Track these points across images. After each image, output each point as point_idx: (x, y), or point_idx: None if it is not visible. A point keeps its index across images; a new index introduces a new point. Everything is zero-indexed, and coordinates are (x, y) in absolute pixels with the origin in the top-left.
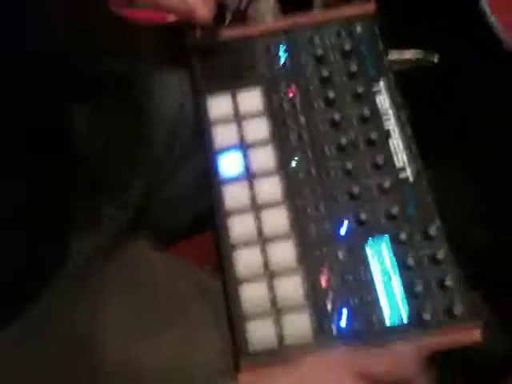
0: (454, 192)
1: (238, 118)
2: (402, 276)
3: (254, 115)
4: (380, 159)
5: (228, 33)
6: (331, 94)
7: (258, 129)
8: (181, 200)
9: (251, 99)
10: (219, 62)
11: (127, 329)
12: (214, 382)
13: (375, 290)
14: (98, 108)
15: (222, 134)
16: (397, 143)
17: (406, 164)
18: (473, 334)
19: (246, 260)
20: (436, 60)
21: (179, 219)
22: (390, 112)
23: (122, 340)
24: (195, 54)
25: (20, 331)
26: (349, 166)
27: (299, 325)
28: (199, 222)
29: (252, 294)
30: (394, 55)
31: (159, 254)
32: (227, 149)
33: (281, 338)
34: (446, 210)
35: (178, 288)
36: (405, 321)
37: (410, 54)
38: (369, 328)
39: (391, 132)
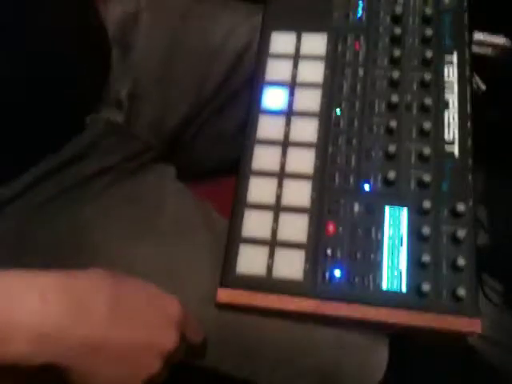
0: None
1: (297, 57)
2: (412, 244)
3: (312, 58)
4: (428, 126)
5: None
6: (398, 53)
7: (313, 71)
8: (222, 138)
9: (315, 43)
10: (295, 3)
11: (124, 234)
12: (195, 304)
13: (381, 251)
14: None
15: (276, 68)
16: (452, 116)
17: (456, 139)
18: (472, 324)
19: (260, 187)
20: None
21: (214, 157)
22: (455, 85)
23: (117, 242)
24: None
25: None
26: (393, 125)
27: (292, 261)
28: (231, 165)
29: (256, 220)
30: (480, 36)
31: (178, 182)
32: (276, 83)
33: (270, 268)
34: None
35: (183, 213)
36: (403, 289)
37: (496, 40)
38: (362, 285)
39: (450, 104)
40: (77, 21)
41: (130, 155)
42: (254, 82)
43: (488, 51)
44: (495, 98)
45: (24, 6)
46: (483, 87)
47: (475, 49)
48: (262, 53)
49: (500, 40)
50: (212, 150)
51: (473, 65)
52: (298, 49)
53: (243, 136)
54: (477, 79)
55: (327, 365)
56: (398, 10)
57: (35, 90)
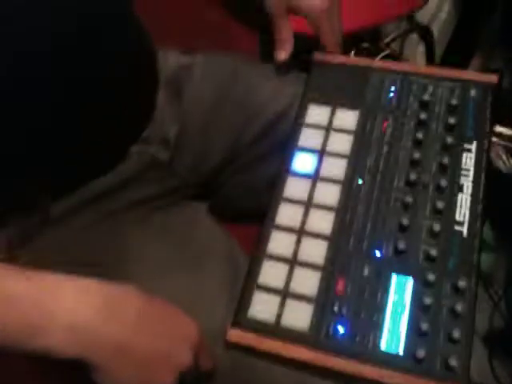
0: None
1: (329, 129)
2: (414, 312)
3: (343, 131)
4: (441, 205)
5: (353, 60)
6: (421, 136)
7: (342, 143)
8: (250, 191)
9: (347, 118)
10: (334, 80)
11: (155, 264)
12: (207, 336)
13: (384, 314)
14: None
15: (309, 136)
16: (465, 199)
17: (466, 220)
18: None
19: (280, 241)
20: None
21: (242, 206)
22: (471, 171)
23: (148, 272)
24: (317, 67)
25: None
26: (409, 200)
27: (300, 313)
28: (258, 216)
29: (272, 271)
30: (502, 129)
31: (209, 218)
32: (307, 149)
33: (279, 316)
34: None
35: (211, 247)
36: (400, 352)
37: None
38: (362, 343)
39: (464, 188)
40: (134, 56)
41: (168, 190)
42: (288, 146)
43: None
44: None
45: (86, 31)
46: None
47: (498, 141)
48: (298, 121)
49: None
50: (240, 198)
51: (489, 156)
52: (331, 121)
53: (270, 192)
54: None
55: None
56: (426, 97)
57: (88, 114)
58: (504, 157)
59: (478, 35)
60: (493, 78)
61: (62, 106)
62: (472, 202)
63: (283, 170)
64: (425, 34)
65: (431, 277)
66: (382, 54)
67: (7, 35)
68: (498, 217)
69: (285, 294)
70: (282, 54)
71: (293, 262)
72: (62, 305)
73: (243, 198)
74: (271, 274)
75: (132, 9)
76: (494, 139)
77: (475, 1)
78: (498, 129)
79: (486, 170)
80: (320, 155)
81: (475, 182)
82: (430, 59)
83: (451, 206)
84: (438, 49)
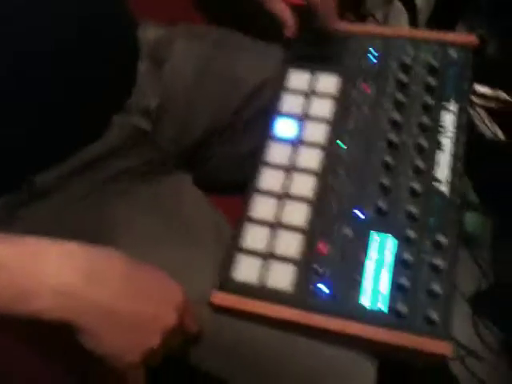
0: None
1: (310, 94)
2: (395, 269)
3: (324, 95)
4: (422, 165)
5: (337, 26)
6: (402, 98)
7: (323, 108)
8: (234, 159)
9: (328, 82)
10: (314, 45)
11: (142, 233)
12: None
13: (365, 273)
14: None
15: (290, 102)
16: (445, 158)
17: (448, 179)
18: (443, 347)
19: (263, 205)
20: None
21: (225, 175)
22: (452, 130)
23: (136, 241)
24: (300, 33)
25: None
26: (390, 161)
27: (284, 274)
28: (243, 185)
29: (255, 233)
30: (483, 89)
31: (195, 188)
32: (289, 115)
33: (262, 277)
34: None
35: (197, 218)
36: (382, 308)
37: (498, 94)
38: (346, 301)
39: (444, 146)
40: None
41: (152, 161)
42: (269, 112)
43: (492, 105)
44: None
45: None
46: (501, 136)
47: (479, 101)
48: (279, 87)
49: (501, 95)
50: (225, 167)
51: (469, 115)
52: (311, 86)
53: (254, 159)
54: (495, 128)
55: (310, 373)
56: (407, 59)
57: (71, 84)
58: (487, 122)
59: (461, 2)
60: (473, 39)
61: (47, 79)
62: (452, 160)
63: (265, 135)
64: (408, 1)
65: (412, 234)
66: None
67: (7, 35)
68: (484, 182)
69: (268, 256)
70: (288, 32)
71: (275, 225)
72: (46, 269)
73: (228, 169)
74: (254, 237)
75: None
76: (476, 100)
77: None
78: (479, 89)
79: (467, 129)
80: (301, 120)
81: (455, 140)
82: (414, 27)
83: (432, 165)
84: (422, 17)
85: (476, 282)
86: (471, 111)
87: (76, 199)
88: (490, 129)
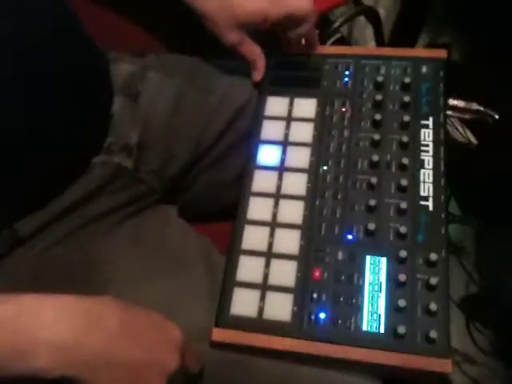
0: None
1: (289, 119)
2: (390, 290)
3: (303, 120)
4: (406, 183)
5: (308, 49)
6: (379, 117)
7: (303, 132)
8: (219, 185)
9: (306, 106)
10: (289, 70)
11: (131, 271)
12: (191, 338)
13: (362, 296)
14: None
15: (270, 129)
16: (427, 174)
17: (431, 194)
18: (443, 365)
19: (254, 236)
20: (497, 117)
21: (211, 202)
22: (431, 146)
23: (124, 279)
24: (271, 59)
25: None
26: (374, 181)
27: (281, 304)
28: (229, 211)
29: (249, 265)
30: (455, 102)
31: (180, 220)
32: (270, 141)
33: (261, 310)
34: None
35: (185, 250)
36: (381, 330)
37: (471, 105)
38: (345, 327)
39: (425, 163)
40: (77, 68)
41: (135, 197)
42: (251, 140)
43: (465, 116)
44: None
45: (24, 58)
46: (475, 142)
47: (453, 113)
48: (258, 114)
49: (473, 106)
50: (210, 195)
51: (446, 129)
52: (290, 111)
53: (240, 186)
54: (468, 134)
55: None
56: (380, 78)
57: (36, 134)
58: (460, 128)
59: (423, 12)
60: (442, 53)
61: (20, 128)
62: (434, 176)
63: (249, 164)
64: (371, 15)
65: (403, 253)
66: (332, 39)
67: None
68: (462, 188)
69: (264, 287)
70: (257, 76)
71: (268, 254)
72: (43, 325)
73: (212, 195)
74: (248, 269)
75: (79, 24)
76: (449, 112)
77: None
78: (452, 102)
79: (445, 143)
80: (283, 146)
81: (435, 156)
82: (379, 40)
83: (415, 182)
84: (386, 28)
85: (465, 287)
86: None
87: (58, 245)
88: (463, 134)
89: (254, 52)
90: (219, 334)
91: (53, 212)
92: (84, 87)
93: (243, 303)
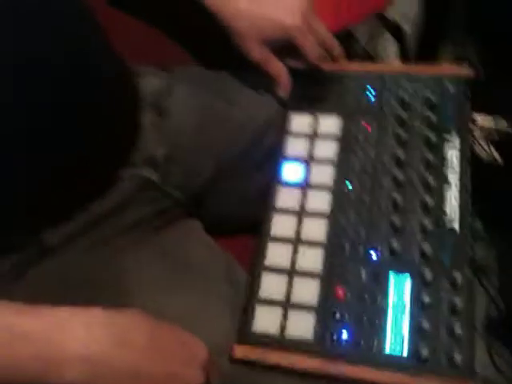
0: None
1: (314, 136)
2: (414, 311)
3: (328, 137)
4: (431, 202)
5: (333, 66)
6: (404, 135)
7: (328, 150)
8: (243, 201)
9: (330, 124)
10: (314, 87)
11: (156, 284)
12: (213, 352)
13: (385, 317)
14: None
15: (295, 145)
16: (454, 195)
17: (457, 216)
18: None
19: (277, 253)
20: None
21: (235, 217)
22: (457, 165)
23: (149, 292)
24: (297, 76)
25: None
26: (399, 200)
27: (303, 322)
28: (251, 225)
29: (272, 283)
30: (483, 121)
31: (205, 235)
32: (294, 158)
33: (283, 328)
34: None
35: (209, 265)
36: (404, 354)
37: (499, 125)
38: (367, 348)
39: (452, 183)
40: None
41: (161, 211)
42: (275, 157)
43: (494, 136)
44: None
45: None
46: (500, 161)
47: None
48: (282, 131)
49: (501, 124)
50: (233, 211)
51: (472, 148)
52: (314, 129)
53: (263, 202)
54: (494, 153)
55: None
56: (405, 95)
57: (73, 141)
58: (486, 147)
59: (447, 27)
60: (468, 71)
61: (49, 134)
62: (460, 195)
63: (273, 181)
64: (396, 31)
65: (428, 274)
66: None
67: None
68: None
69: (286, 305)
70: (282, 92)
71: (291, 272)
72: (73, 339)
73: (236, 211)
74: (271, 286)
75: (107, 37)
76: (477, 132)
77: None
78: (479, 120)
79: (470, 161)
80: (307, 163)
81: (461, 175)
82: (403, 55)
83: (440, 201)
84: (410, 44)
85: (486, 309)
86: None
87: (84, 256)
88: (488, 152)
89: (279, 68)
90: (240, 351)
91: (81, 223)
92: (114, 101)
93: (265, 320)
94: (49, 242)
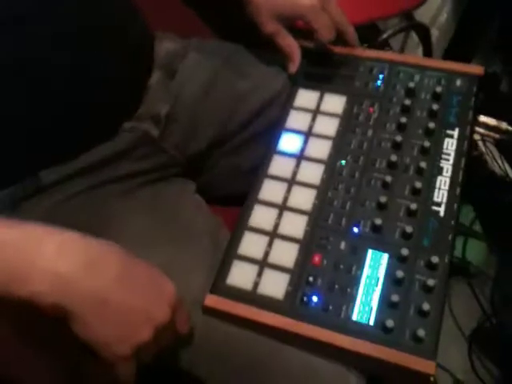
0: None
1: (316, 112)
2: (386, 285)
3: (330, 115)
4: (420, 186)
5: (346, 49)
6: (405, 121)
7: (328, 126)
8: (236, 172)
9: (335, 102)
10: (324, 67)
11: (140, 234)
12: (186, 304)
13: (357, 287)
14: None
15: (297, 119)
16: (444, 181)
17: (444, 201)
18: (427, 366)
19: (262, 215)
20: None
21: (226, 187)
22: (452, 155)
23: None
24: (308, 54)
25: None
26: (389, 180)
27: (277, 282)
28: (241, 198)
29: (252, 242)
30: (485, 119)
31: (197, 196)
32: (294, 130)
33: (256, 285)
34: None
35: (195, 223)
36: (371, 322)
37: (501, 124)
38: (335, 313)
39: (444, 170)
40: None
41: (157, 166)
42: (276, 127)
43: (496, 135)
44: None
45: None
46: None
47: (482, 130)
48: (287, 104)
49: (503, 124)
50: (227, 180)
51: (471, 142)
52: (318, 105)
53: (255, 173)
54: (506, 167)
55: (297, 380)
56: (412, 84)
57: (84, 92)
58: (499, 161)
59: (477, 38)
60: (478, 70)
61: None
62: (451, 183)
63: (270, 148)
64: (423, 32)
65: (405, 252)
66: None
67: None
68: (495, 224)
69: (263, 264)
70: (292, 68)
71: (273, 235)
72: (45, 254)
73: (230, 181)
74: (251, 245)
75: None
76: (480, 130)
77: (475, 4)
78: (482, 119)
79: (467, 155)
80: (306, 136)
81: (455, 165)
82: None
83: (430, 187)
84: (438, 50)
85: (475, 317)
86: (482, 148)
87: (75, 198)
88: (501, 166)
89: (291, 44)
90: (212, 301)
91: (77, 167)
92: (128, 56)
93: (240, 275)
94: (43, 181)
